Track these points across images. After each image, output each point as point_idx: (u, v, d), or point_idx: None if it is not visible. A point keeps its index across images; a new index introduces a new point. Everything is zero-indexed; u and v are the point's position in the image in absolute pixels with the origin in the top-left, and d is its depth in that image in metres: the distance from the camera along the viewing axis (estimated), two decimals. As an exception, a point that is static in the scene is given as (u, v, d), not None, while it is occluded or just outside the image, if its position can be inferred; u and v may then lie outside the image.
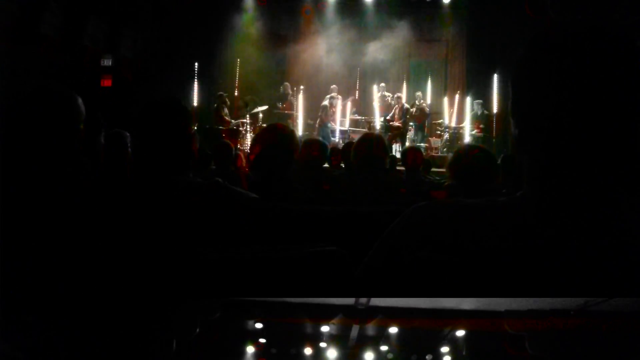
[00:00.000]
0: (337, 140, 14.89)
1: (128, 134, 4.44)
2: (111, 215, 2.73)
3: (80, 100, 2.91)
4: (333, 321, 9.84)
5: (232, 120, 15.65)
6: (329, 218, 3.72)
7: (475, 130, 15.62)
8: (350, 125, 15.89)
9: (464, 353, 11.29)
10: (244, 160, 6.90)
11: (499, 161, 5.60)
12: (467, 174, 4.28)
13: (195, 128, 12.96)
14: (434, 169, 9.29)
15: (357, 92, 17.52)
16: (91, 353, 7.82)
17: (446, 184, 5.16)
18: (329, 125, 15.57)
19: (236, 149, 7.61)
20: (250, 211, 2.97)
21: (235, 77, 16.91)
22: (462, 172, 4.35)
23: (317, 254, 2.75)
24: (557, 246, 1.30)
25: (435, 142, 16.13)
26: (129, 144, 4.40)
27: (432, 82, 17.45)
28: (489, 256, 1.35)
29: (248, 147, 12.29)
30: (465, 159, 4.40)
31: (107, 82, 12.34)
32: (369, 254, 1.68)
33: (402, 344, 11.28)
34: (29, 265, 2.57)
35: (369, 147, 4.91)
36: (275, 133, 4.06)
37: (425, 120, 16.49)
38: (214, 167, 6.67)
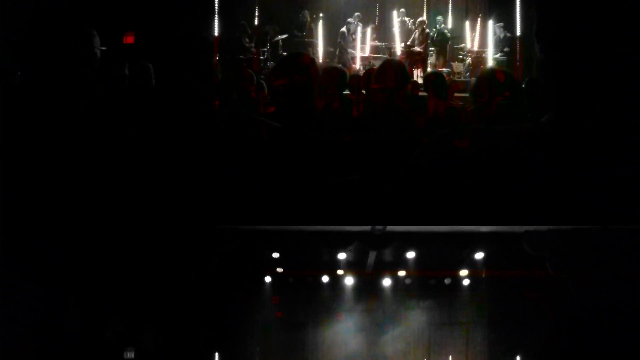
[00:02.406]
0: (357, 67, 14.70)
1: (151, 66, 4.44)
2: (136, 144, 2.76)
3: (93, 30, 2.92)
4: (350, 248, 9.92)
5: (253, 49, 15.53)
6: (351, 146, 3.73)
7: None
8: (371, 52, 15.68)
9: (483, 275, 11.38)
10: (265, 89, 6.86)
11: (523, 85, 5.52)
12: (490, 99, 4.24)
13: (217, 58, 12.86)
14: (456, 94, 9.15)
15: (377, 18, 17.19)
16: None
17: (469, 109, 5.12)
18: (349, 51, 15.36)
19: (258, 77, 7.55)
20: (274, 140, 2.99)
21: (255, 6, 16.67)
22: (485, 98, 4.31)
23: (341, 183, 2.78)
24: (583, 170, 1.31)
25: (457, 66, 15.91)
26: (152, 76, 4.41)
27: (453, 5, 17.08)
28: (515, 182, 1.36)
29: (269, 76, 12.21)
30: (488, 83, 4.35)
31: (130, 39, 12.21)
32: (394, 181, 1.69)
33: (420, 269, 11.38)
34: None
35: (390, 73, 4.85)
36: (295, 62, 4.03)
37: (447, 45, 16.23)
38: (235, 96, 6.66)
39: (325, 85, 5.23)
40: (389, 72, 4.97)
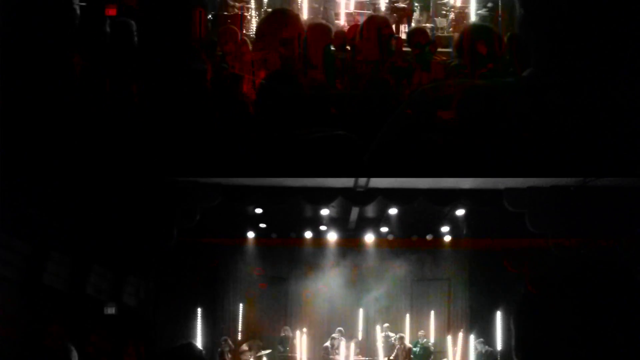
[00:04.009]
0: (342, 23, 13.88)
1: (134, 23, 4.37)
2: (118, 102, 2.77)
3: None
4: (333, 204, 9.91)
5: (237, 4, 15.29)
6: (336, 101, 3.74)
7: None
8: (356, 8, 14.80)
9: (463, 232, 11.44)
10: (249, 45, 6.78)
11: (505, 40, 5.52)
12: (473, 53, 4.24)
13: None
14: (440, 49, 9.03)
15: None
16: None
17: (453, 64, 5.11)
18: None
19: (241, 34, 7.43)
20: (258, 95, 3.00)
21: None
22: (468, 52, 4.30)
23: (326, 137, 2.80)
24: (565, 123, 1.34)
25: (440, 22, 15.79)
26: (135, 33, 4.33)
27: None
28: (497, 135, 1.39)
29: (254, 32, 12.05)
30: (471, 38, 4.34)
31: (112, 11, 11.84)
32: (378, 136, 1.72)
33: (402, 225, 11.40)
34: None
35: (373, 32, 4.82)
36: (277, 21, 4.02)
37: (430, 0, 16.11)
38: (220, 53, 6.57)
39: (310, 41, 5.18)
40: (372, 30, 4.94)
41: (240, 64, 6.38)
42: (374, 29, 4.99)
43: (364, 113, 4.07)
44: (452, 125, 1.54)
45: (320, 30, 5.41)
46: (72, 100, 2.81)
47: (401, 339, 11.83)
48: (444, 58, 7.24)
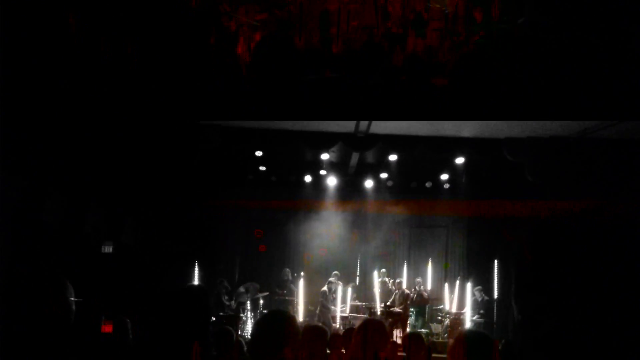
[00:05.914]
0: (337, 326, 11.60)
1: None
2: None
3: None
4: (333, 149, 9.82)
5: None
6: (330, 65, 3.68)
7: None
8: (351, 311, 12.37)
9: (463, 180, 11.38)
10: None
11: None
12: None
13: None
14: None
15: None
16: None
17: (447, 11, 5.02)
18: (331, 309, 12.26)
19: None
20: (253, 57, 2.96)
21: None
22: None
23: (320, 80, 2.77)
24: (557, 68, 1.32)
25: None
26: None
27: None
28: (492, 81, 1.37)
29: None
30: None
31: None
32: (373, 77, 1.70)
33: (401, 171, 11.34)
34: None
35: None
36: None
37: None
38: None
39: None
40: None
41: (235, 25, 6.24)
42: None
43: (358, 77, 4.00)
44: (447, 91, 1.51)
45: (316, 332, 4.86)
46: (69, 51, 2.79)
47: (399, 283, 11.77)
48: (438, 6, 7.11)
